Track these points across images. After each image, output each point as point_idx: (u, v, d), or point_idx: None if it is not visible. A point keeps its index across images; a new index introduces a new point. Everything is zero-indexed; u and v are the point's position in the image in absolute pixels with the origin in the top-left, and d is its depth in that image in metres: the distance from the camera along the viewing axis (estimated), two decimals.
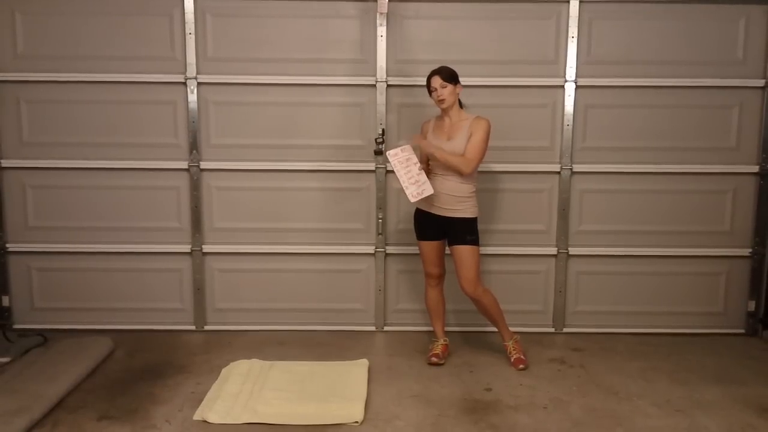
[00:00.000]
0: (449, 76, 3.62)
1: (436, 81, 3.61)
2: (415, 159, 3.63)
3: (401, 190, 3.60)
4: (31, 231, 4.33)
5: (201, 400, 3.32)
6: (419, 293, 4.29)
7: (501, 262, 4.37)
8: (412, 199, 3.59)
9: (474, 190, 3.71)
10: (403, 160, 3.60)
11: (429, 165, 3.74)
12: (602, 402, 3.38)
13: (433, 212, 3.72)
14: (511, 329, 3.91)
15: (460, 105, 3.72)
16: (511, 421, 3.17)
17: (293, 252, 4.37)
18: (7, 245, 4.34)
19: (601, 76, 4.22)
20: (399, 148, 3.63)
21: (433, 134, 3.73)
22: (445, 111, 3.68)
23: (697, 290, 4.43)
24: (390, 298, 4.44)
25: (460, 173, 3.60)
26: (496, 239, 4.34)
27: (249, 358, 3.86)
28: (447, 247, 3.80)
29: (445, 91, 3.60)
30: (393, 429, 3.08)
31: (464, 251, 3.68)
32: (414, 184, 3.57)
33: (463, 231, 3.68)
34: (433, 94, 3.65)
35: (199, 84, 4.20)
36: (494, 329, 3.95)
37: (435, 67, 3.68)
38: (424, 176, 3.61)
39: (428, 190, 3.58)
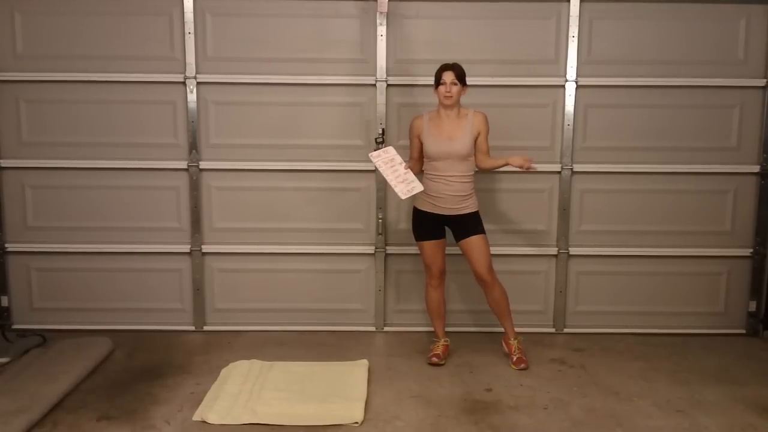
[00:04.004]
0: (461, 75, 3.65)
1: (449, 76, 3.62)
2: (399, 159, 3.69)
3: None
4: (31, 231, 4.33)
5: (200, 401, 3.31)
6: (419, 293, 4.28)
7: (501, 262, 4.33)
8: (403, 197, 3.63)
9: (474, 186, 3.77)
10: (387, 161, 3.67)
11: (424, 167, 3.77)
12: (602, 402, 3.38)
13: (443, 213, 3.73)
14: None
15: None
16: (511, 421, 3.16)
17: (293, 252, 4.36)
18: (6, 245, 4.33)
19: (601, 75, 4.21)
20: (381, 150, 3.71)
21: (430, 133, 3.72)
22: (445, 108, 3.68)
23: (698, 290, 4.42)
24: (390, 298, 4.43)
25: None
26: (497, 239, 4.32)
27: (249, 358, 3.85)
28: (456, 244, 3.80)
29: (455, 89, 3.62)
30: (393, 429, 3.08)
31: (478, 240, 3.74)
32: (402, 183, 3.62)
33: (473, 223, 3.75)
34: (441, 87, 3.65)
35: (198, 84, 4.19)
36: (495, 330, 3.95)
37: (435, 66, 3.69)
38: (411, 175, 3.65)
39: (418, 188, 3.62)
